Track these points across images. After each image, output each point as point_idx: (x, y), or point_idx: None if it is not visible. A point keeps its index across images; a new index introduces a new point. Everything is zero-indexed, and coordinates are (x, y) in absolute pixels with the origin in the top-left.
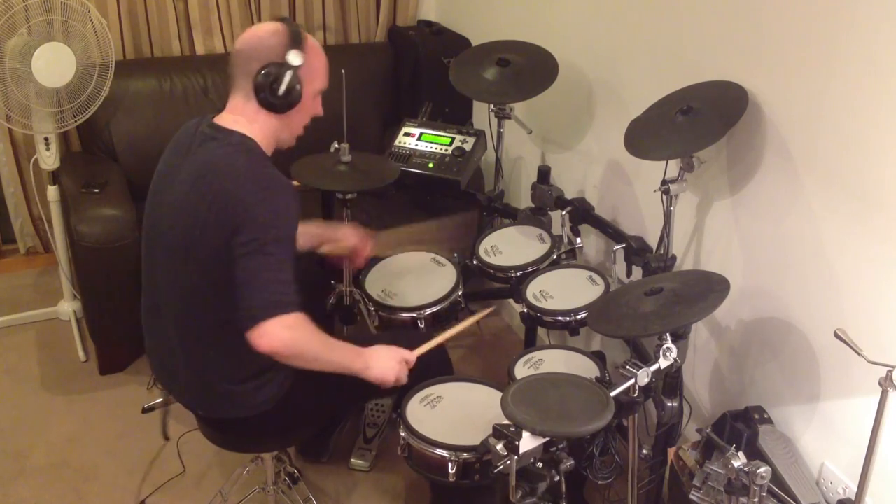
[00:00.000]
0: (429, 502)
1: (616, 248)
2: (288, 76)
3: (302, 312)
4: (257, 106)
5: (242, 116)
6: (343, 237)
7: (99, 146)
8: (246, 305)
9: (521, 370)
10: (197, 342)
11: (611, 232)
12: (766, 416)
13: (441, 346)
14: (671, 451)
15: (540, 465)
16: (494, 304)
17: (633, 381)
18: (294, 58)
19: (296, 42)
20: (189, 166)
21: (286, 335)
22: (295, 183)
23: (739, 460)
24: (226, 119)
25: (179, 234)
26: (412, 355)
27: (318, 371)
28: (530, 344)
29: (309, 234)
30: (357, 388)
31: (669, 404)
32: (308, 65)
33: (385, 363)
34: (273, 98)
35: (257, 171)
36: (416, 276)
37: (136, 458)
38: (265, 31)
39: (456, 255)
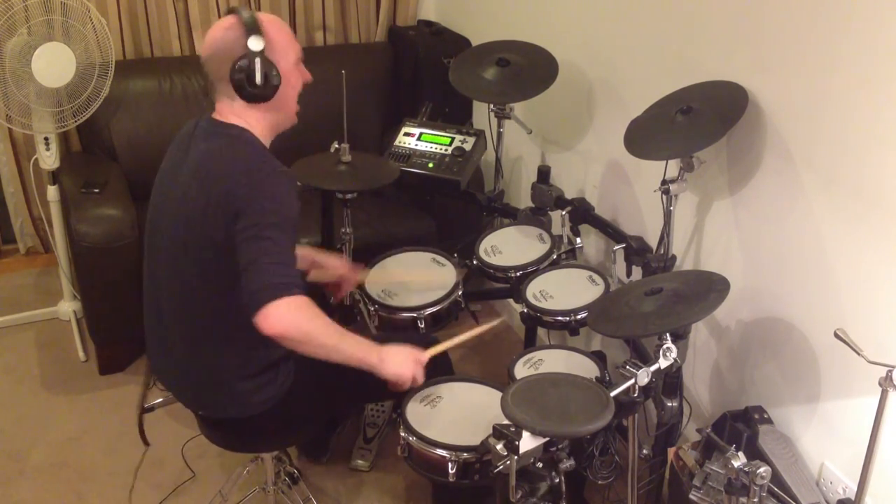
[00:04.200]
0: (431, 502)
1: (616, 248)
2: (258, 63)
3: (307, 297)
4: (244, 103)
5: (233, 115)
6: (332, 266)
7: (99, 146)
8: (250, 289)
9: (521, 370)
10: (196, 338)
11: (611, 232)
12: (766, 416)
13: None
14: (671, 451)
15: (540, 465)
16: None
17: (633, 381)
18: (255, 43)
19: (251, 28)
20: (190, 161)
21: (292, 316)
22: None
23: (739, 460)
24: (222, 116)
25: (181, 228)
26: (424, 355)
27: (318, 371)
28: (530, 344)
29: (299, 256)
30: (357, 391)
31: (669, 404)
32: (272, 42)
33: (401, 359)
34: (254, 90)
35: (252, 158)
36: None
37: (136, 458)
38: (220, 30)
39: (456, 255)
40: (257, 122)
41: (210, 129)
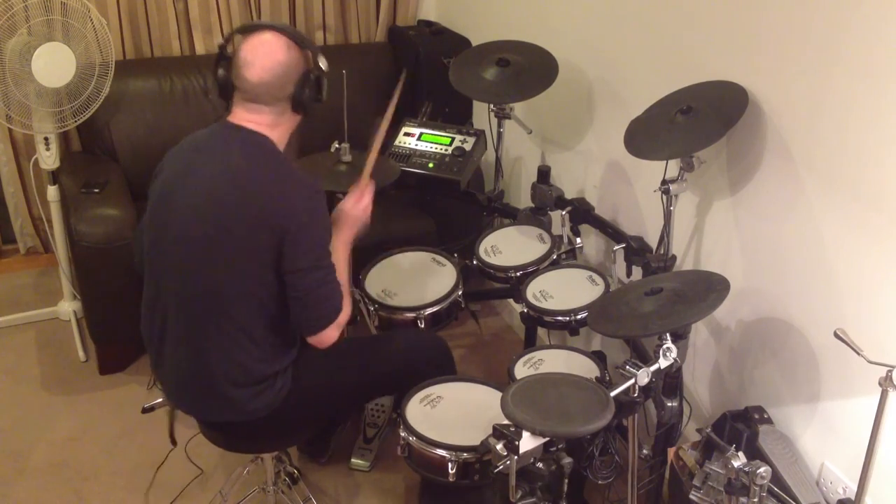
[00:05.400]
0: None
1: (616, 248)
2: (325, 82)
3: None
4: (292, 113)
5: (267, 124)
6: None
7: (99, 146)
8: (307, 317)
9: (521, 370)
10: (201, 344)
11: (611, 232)
12: (766, 416)
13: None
14: (671, 451)
15: (540, 465)
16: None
17: (633, 381)
18: (324, 62)
19: (315, 47)
20: (212, 168)
21: (338, 331)
22: None
23: (739, 460)
24: (246, 122)
25: (202, 234)
26: (362, 186)
27: (317, 376)
28: (530, 344)
29: None
30: (355, 393)
31: (669, 404)
32: None
33: (356, 215)
34: (315, 103)
35: (293, 178)
36: (415, 276)
37: (136, 458)
38: (281, 52)
39: (456, 255)
40: (287, 129)
41: (232, 137)
